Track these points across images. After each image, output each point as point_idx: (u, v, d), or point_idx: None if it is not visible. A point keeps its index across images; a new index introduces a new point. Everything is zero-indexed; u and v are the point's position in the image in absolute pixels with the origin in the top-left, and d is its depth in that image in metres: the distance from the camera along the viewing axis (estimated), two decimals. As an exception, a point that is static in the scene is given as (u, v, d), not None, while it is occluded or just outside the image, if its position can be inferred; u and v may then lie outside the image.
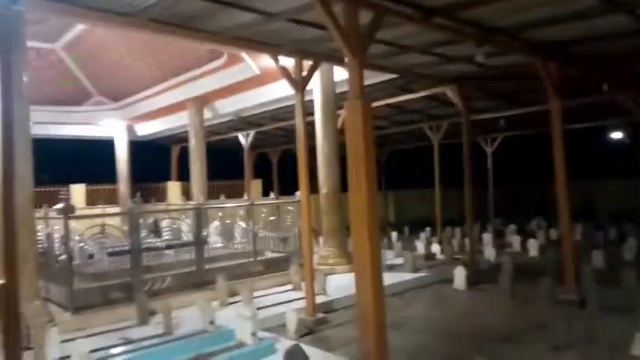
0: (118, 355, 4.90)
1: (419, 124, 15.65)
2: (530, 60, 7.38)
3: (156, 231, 11.35)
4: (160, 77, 13.79)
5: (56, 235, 7.65)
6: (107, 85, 15.84)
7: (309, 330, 6.32)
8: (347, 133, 4.53)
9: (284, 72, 6.73)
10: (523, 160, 21.77)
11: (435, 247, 12.30)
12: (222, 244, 9.87)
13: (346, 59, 4.59)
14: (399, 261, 10.53)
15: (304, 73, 6.84)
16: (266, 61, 10.42)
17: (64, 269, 6.88)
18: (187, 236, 9.26)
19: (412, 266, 9.68)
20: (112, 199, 18.84)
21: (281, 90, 11.82)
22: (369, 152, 4.48)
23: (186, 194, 18.80)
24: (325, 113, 10.09)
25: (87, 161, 19.67)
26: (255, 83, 12.02)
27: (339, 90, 10.25)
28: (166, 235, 10.19)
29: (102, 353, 5.00)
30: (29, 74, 6.62)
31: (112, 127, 17.66)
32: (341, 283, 8.49)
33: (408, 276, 9.25)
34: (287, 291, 8.29)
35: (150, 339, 5.74)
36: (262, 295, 7.82)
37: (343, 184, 10.35)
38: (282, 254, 9.67)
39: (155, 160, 22.10)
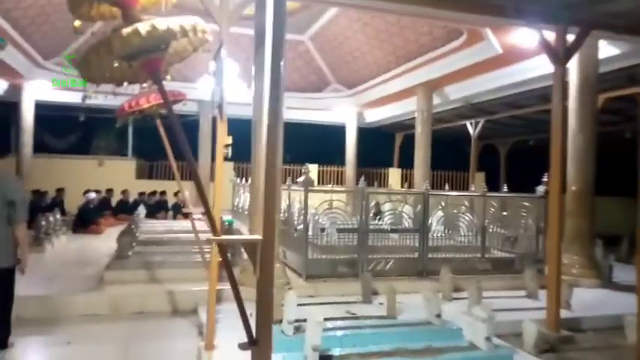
0: (346, 328, 4.96)
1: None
2: None
3: (377, 214, 11.57)
4: (393, 63, 13.88)
5: (295, 207, 8.36)
6: (344, 73, 16.80)
7: (551, 347, 5.38)
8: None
9: (544, 43, 5.77)
10: None
11: None
12: (445, 235, 9.39)
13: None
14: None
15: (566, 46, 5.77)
16: (511, 38, 9.37)
17: (301, 239, 7.46)
18: (408, 222, 9.11)
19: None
20: (338, 180, 20.24)
21: (524, 72, 10.60)
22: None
23: (407, 181, 18.89)
24: (582, 97, 8.46)
25: (319, 144, 21.52)
26: (494, 65, 10.97)
27: (603, 69, 8.53)
28: (388, 219, 10.23)
29: (331, 323, 5.13)
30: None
31: (344, 113, 18.73)
32: (588, 299, 7.18)
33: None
34: (519, 297, 7.33)
35: (374, 318, 5.72)
36: (490, 297, 7.06)
37: (596, 184, 8.68)
38: (512, 254, 8.67)
39: (379, 146, 22.79)
